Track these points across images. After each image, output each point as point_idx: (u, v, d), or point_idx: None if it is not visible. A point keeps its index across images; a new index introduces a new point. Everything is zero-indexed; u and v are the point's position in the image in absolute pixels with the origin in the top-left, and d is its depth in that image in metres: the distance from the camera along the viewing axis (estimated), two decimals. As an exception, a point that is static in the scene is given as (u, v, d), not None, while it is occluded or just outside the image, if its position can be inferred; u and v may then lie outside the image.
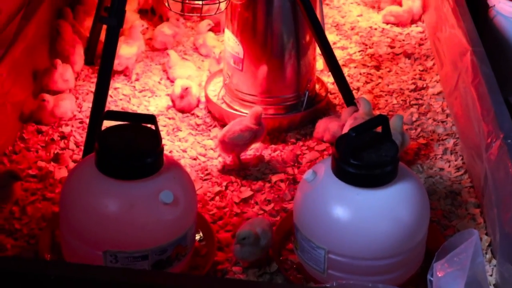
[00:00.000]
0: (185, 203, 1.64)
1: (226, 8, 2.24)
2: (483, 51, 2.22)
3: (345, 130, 2.08)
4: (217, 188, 2.05)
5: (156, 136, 1.63)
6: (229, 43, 2.29)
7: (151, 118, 1.65)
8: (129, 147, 1.61)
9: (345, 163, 1.59)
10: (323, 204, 1.62)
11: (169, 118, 2.36)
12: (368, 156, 1.60)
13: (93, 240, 1.59)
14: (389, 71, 2.66)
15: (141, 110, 2.40)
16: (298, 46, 2.26)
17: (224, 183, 2.07)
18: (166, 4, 2.11)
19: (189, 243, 1.69)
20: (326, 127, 2.24)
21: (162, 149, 1.64)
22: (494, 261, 1.76)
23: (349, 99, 2.30)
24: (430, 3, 2.91)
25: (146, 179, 1.61)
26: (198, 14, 2.42)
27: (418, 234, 1.63)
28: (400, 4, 3.04)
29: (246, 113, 2.22)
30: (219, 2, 2.13)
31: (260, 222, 1.77)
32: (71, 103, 2.33)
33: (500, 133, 1.84)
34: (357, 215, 1.59)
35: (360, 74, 2.63)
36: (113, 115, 1.67)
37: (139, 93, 2.50)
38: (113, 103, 2.41)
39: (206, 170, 2.13)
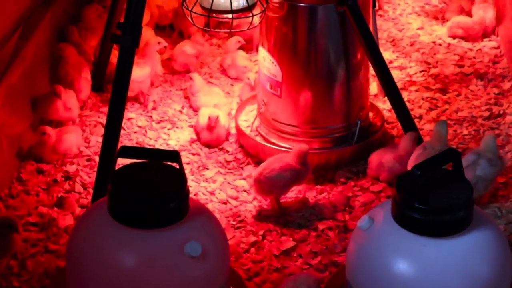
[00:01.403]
0: (215, 256, 1.65)
1: (260, 22, 2.25)
2: None
3: (410, 164, 2.08)
4: (253, 238, 2.06)
5: (180, 176, 1.64)
6: (265, 63, 2.30)
7: (174, 155, 1.66)
8: (148, 189, 1.62)
9: (409, 207, 1.59)
10: (382, 257, 1.62)
11: (193, 154, 2.38)
12: (437, 199, 1.60)
13: (106, 301, 1.60)
14: (457, 95, 2.64)
15: (159, 144, 2.42)
16: (347, 66, 2.27)
17: (261, 232, 2.08)
18: (189, 18, 2.12)
19: (220, 304, 1.70)
20: (380, 162, 2.23)
21: (188, 192, 1.65)
22: None
23: (410, 130, 2.28)
24: (506, 12, 2.90)
25: (169, 227, 1.61)
26: (227, 30, 2.43)
27: (498, 291, 1.63)
28: (469, 15, 3.04)
29: (285, 148, 2.23)
30: (252, 16, 2.14)
31: (306, 279, 1.77)
32: (77, 136, 2.35)
33: None
34: (424, 270, 1.59)
35: (423, 99, 2.62)
36: (129, 151, 1.68)
37: (156, 124, 2.52)
38: (126, 136, 2.43)
39: (239, 216, 2.14)
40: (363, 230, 1.68)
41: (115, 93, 1.97)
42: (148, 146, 2.40)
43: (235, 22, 2.28)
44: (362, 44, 2.20)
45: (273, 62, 2.27)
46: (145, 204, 1.60)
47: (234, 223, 2.12)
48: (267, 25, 2.26)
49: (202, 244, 1.59)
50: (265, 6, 2.16)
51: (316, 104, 2.29)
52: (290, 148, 2.19)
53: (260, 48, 2.32)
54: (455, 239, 1.59)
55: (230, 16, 2.12)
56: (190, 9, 2.10)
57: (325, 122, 2.32)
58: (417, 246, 1.60)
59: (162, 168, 1.68)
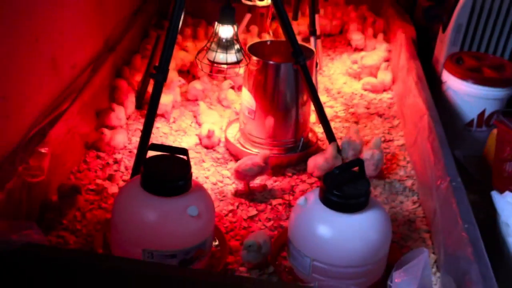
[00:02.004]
0: (206, 217, 1.67)
1: (244, 72, 2.27)
2: (437, 115, 2.26)
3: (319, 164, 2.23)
4: (230, 207, 2.08)
5: (187, 165, 1.67)
6: (245, 98, 2.32)
7: (184, 151, 1.68)
8: (166, 172, 1.64)
9: (330, 193, 1.62)
10: (311, 224, 1.65)
11: (197, 152, 2.39)
12: (347, 189, 1.63)
13: (135, 241, 1.62)
14: (365, 126, 2.68)
15: (175, 145, 2.43)
16: (297, 103, 2.29)
17: (236, 204, 2.10)
18: (199, 67, 2.14)
19: (208, 248, 1.71)
20: (315, 165, 2.25)
21: (191, 175, 1.67)
22: (438, 274, 1.78)
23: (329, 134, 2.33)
24: (398, 77, 2.94)
25: (178, 197, 1.64)
26: (223, 75, 2.45)
27: (382, 250, 1.66)
28: (375, 76, 3.07)
29: (255, 152, 2.25)
30: (239, 67, 2.16)
31: (262, 235, 1.80)
32: (123, 136, 2.36)
33: (447, 177, 1.87)
34: (336, 234, 1.62)
35: (343, 127, 2.65)
36: (155, 147, 1.71)
37: (174, 132, 2.53)
38: (154, 138, 2.44)
39: (223, 193, 2.15)
40: (300, 206, 1.71)
41: (149, 111, 1.98)
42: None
43: (228, 70, 2.27)
44: (307, 89, 2.23)
45: (250, 97, 2.29)
46: (164, 181, 1.62)
47: (219, 197, 2.13)
48: (248, 74, 2.28)
49: (198, 208, 1.62)
50: (247, 62, 2.18)
51: (276, 125, 2.31)
52: (258, 152, 2.20)
53: (243, 88, 2.34)
54: (357, 215, 1.64)
55: (225, 66, 2.14)
56: (200, 60, 2.12)
57: (281, 137, 2.34)
58: (333, 218, 1.63)
59: (176, 159, 1.70)
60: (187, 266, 1.64)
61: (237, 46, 2.15)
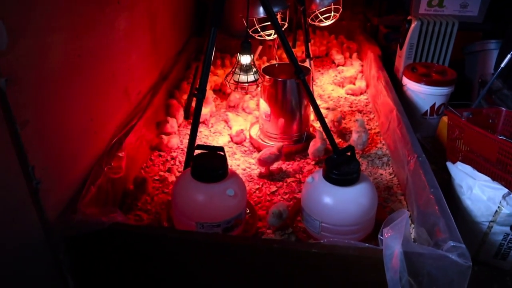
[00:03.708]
0: (240, 195, 1.57)
1: (260, 87, 2.15)
2: (402, 109, 2.13)
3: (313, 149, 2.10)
4: (257, 186, 1.96)
5: (224, 158, 1.57)
6: (262, 106, 2.21)
7: (221, 148, 1.58)
8: (209, 164, 1.55)
9: (331, 172, 1.51)
10: (318, 195, 1.55)
11: (229, 148, 2.28)
12: (343, 168, 1.52)
13: (189, 216, 1.52)
14: (349, 120, 2.55)
15: (214, 143, 2.33)
16: (300, 107, 2.17)
17: (261, 183, 1.98)
18: (228, 85, 2.04)
19: (243, 217, 1.61)
20: (313, 151, 2.11)
21: (227, 166, 1.57)
22: (413, 226, 1.66)
23: (328, 135, 2.17)
24: (371, 83, 2.81)
25: (219, 182, 1.54)
26: (245, 91, 2.32)
27: (371, 212, 1.55)
28: (354, 84, 2.94)
29: (272, 144, 2.14)
30: (257, 85, 2.05)
31: (282, 205, 1.69)
32: (177, 140, 2.26)
33: (415, 154, 1.75)
34: (337, 202, 1.51)
35: (332, 121, 2.51)
36: (200, 147, 1.61)
37: (213, 134, 2.42)
38: (199, 140, 2.34)
39: (250, 176, 2.04)
40: (309, 183, 1.60)
41: (194, 120, 1.85)
42: (210, 143, 2.31)
43: (249, 88, 2.15)
44: (307, 97, 2.10)
45: (266, 105, 2.18)
46: (208, 171, 1.53)
47: (248, 179, 2.02)
48: (263, 88, 2.16)
49: (234, 190, 1.52)
50: (262, 80, 2.07)
51: (286, 124, 2.19)
52: (274, 145, 2.09)
53: (260, 99, 2.22)
54: (352, 187, 1.53)
55: (246, 85, 2.03)
56: (228, 81, 2.01)
57: (290, 132, 2.22)
58: (334, 190, 1.53)
59: (215, 154, 1.60)
60: (229, 232, 1.55)
61: (254, 69, 2.03)
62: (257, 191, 1.93)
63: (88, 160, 1.65)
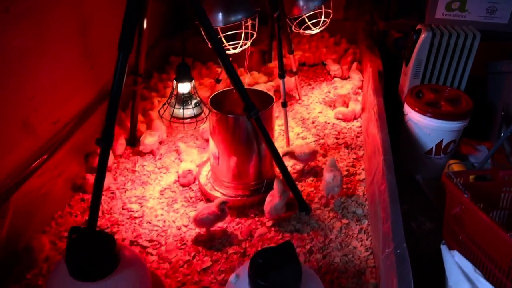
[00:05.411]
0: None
1: (209, 121, 1.67)
2: (391, 159, 1.61)
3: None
4: (187, 258, 1.50)
5: (112, 245, 1.10)
6: (210, 144, 1.74)
7: (108, 238, 1.12)
8: (89, 255, 1.09)
9: (254, 282, 1.03)
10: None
11: (172, 192, 1.82)
12: (273, 277, 1.03)
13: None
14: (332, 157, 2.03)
15: (156, 184, 1.87)
16: (259, 149, 1.68)
17: (193, 253, 1.52)
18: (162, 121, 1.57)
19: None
20: (269, 209, 1.62)
21: (117, 256, 1.11)
22: None
23: (291, 186, 1.68)
24: (366, 106, 2.28)
25: (103, 281, 1.08)
26: (182, 129, 1.79)
27: None
28: (347, 106, 2.41)
29: (221, 193, 1.67)
30: (196, 122, 1.56)
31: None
32: (108, 179, 1.82)
33: (391, 244, 1.24)
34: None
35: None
36: (76, 230, 1.14)
37: (158, 170, 1.96)
38: (139, 177, 1.89)
39: (183, 240, 1.58)
40: (232, 284, 1.13)
41: (96, 180, 1.38)
42: (149, 185, 1.85)
43: (186, 124, 1.64)
44: (263, 139, 1.60)
45: (214, 145, 1.70)
46: (85, 264, 1.07)
47: (180, 244, 1.56)
48: (210, 123, 1.68)
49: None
50: (205, 116, 1.58)
51: (239, 169, 1.71)
52: (221, 196, 1.63)
53: (209, 136, 1.73)
54: None
55: (188, 120, 1.56)
56: (161, 114, 1.54)
57: (245, 179, 1.74)
58: None
59: (103, 236, 1.14)
60: None
61: (195, 100, 1.55)
62: (186, 265, 1.47)
63: None
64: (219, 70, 2.29)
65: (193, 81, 1.54)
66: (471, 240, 1.28)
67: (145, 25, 1.72)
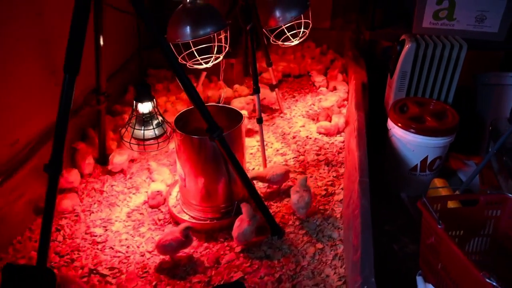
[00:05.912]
0: None
1: (175, 141, 1.58)
2: (367, 182, 1.51)
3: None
4: (148, 287, 1.40)
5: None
6: (178, 165, 1.63)
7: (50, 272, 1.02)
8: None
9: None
10: None
11: (140, 214, 1.73)
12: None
13: None
14: (311, 177, 1.93)
15: (123, 205, 1.77)
16: (228, 170, 1.58)
17: (154, 283, 1.42)
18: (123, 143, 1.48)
19: None
20: (237, 235, 1.53)
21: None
22: None
23: (263, 210, 1.58)
24: (349, 119, 2.18)
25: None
26: (142, 150, 1.66)
27: None
28: (330, 120, 2.31)
29: (191, 215, 1.58)
30: (158, 144, 1.48)
31: None
32: (73, 201, 1.74)
33: (359, 279, 1.14)
34: None
35: (290, 178, 1.91)
36: (10, 268, 1.05)
37: (127, 190, 1.86)
38: (106, 199, 1.80)
39: (146, 268, 1.48)
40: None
41: (45, 213, 1.28)
42: (117, 206, 1.75)
43: (147, 146, 1.52)
44: (229, 161, 1.51)
45: (180, 166, 1.60)
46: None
47: (141, 273, 1.46)
48: (176, 144, 1.58)
49: None
50: (168, 136, 1.49)
51: (207, 191, 1.61)
52: (189, 219, 1.53)
53: (176, 159, 1.63)
54: None
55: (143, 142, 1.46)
56: (122, 135, 1.45)
57: (213, 202, 1.64)
58: None
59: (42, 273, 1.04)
60: None
61: (157, 120, 1.46)
62: (145, 297, 1.37)
63: None
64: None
65: (154, 100, 1.45)
66: (446, 273, 1.18)
67: (101, 42, 1.62)
